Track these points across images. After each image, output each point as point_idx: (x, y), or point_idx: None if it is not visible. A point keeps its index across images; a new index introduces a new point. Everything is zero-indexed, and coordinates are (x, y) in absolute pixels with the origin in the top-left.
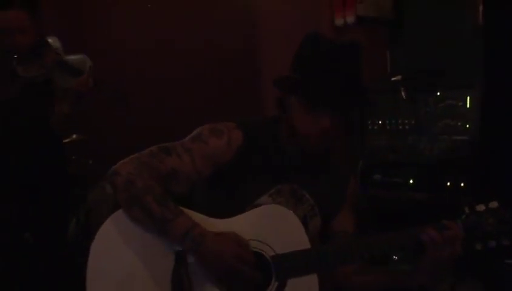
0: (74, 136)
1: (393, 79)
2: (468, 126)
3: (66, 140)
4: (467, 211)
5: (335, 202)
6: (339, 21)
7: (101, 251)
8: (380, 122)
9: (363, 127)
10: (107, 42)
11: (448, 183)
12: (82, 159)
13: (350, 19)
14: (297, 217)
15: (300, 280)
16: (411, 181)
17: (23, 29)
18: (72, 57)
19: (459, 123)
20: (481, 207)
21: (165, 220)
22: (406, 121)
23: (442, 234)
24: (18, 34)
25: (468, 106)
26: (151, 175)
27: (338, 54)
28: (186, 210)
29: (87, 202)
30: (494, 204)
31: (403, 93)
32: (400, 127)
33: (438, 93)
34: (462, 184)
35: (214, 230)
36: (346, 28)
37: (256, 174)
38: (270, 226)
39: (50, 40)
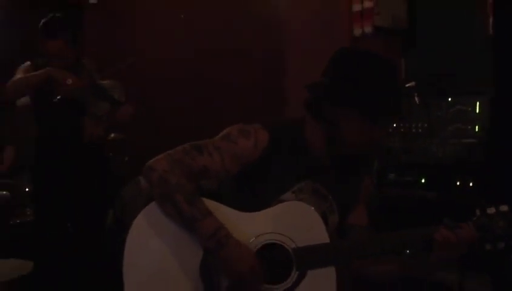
0: (112, 135)
1: (407, 85)
2: (476, 130)
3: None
4: (478, 214)
5: (351, 200)
6: (357, 31)
7: (135, 242)
8: (395, 125)
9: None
10: (146, 50)
11: (457, 183)
12: (119, 156)
13: (367, 29)
14: (318, 214)
15: (319, 271)
16: (423, 180)
17: (63, 56)
18: (104, 82)
19: (469, 127)
20: (492, 210)
21: (193, 219)
22: (419, 125)
23: (456, 234)
24: (57, 60)
25: (477, 111)
26: (184, 172)
27: (392, 72)
28: (214, 204)
29: (122, 196)
30: (504, 208)
31: (416, 99)
32: (414, 130)
33: (449, 99)
34: (470, 184)
35: (239, 223)
36: (364, 38)
37: (280, 173)
38: (292, 221)
39: (84, 61)
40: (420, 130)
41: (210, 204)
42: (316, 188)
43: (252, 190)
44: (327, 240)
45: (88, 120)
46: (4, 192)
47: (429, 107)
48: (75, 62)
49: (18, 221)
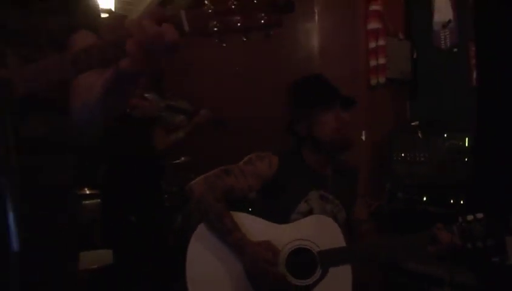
0: (182, 158)
1: (412, 123)
2: (466, 159)
3: (176, 161)
4: (460, 220)
5: (350, 198)
6: (373, 81)
7: (195, 248)
8: (403, 155)
9: None
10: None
11: (451, 201)
12: (186, 175)
13: (381, 80)
14: (335, 223)
15: (338, 269)
16: (425, 198)
17: (133, 85)
18: (175, 102)
19: (460, 157)
20: (470, 217)
21: (223, 233)
22: (422, 155)
23: (455, 236)
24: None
25: (466, 145)
26: (215, 192)
27: (317, 77)
28: (253, 218)
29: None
30: (480, 215)
31: (419, 134)
32: (417, 159)
33: (445, 135)
34: (462, 202)
35: (273, 232)
36: (378, 87)
37: (291, 187)
38: (316, 230)
39: (146, 95)
40: (422, 159)
41: (248, 218)
42: (322, 194)
43: (274, 201)
44: (343, 243)
45: (158, 131)
46: (99, 200)
47: (429, 141)
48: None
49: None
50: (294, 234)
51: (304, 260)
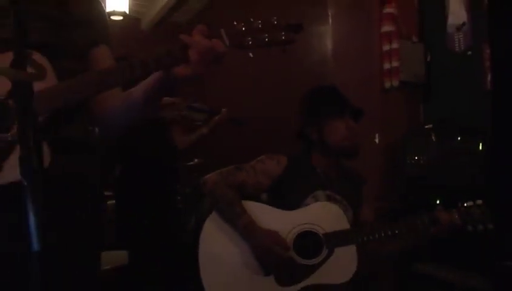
0: (195, 160)
1: (426, 127)
2: (480, 163)
3: (190, 163)
4: (459, 205)
5: (356, 198)
6: (387, 84)
7: (208, 237)
8: (416, 158)
9: None
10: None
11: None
12: (200, 176)
13: (395, 83)
14: (340, 209)
15: (343, 248)
16: (438, 201)
17: (170, 90)
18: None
19: (474, 160)
20: (470, 203)
21: (233, 218)
22: (435, 158)
23: (453, 217)
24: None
25: (480, 148)
26: (227, 185)
27: (328, 88)
28: (262, 205)
29: (202, 205)
30: (479, 201)
31: (433, 137)
32: (431, 162)
33: (459, 138)
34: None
35: (281, 217)
36: (392, 90)
37: (299, 185)
38: (321, 215)
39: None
40: (435, 162)
41: (258, 206)
42: (328, 194)
43: (283, 197)
44: (348, 226)
45: (178, 131)
46: (113, 201)
47: (443, 144)
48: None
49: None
50: (301, 219)
51: (311, 242)
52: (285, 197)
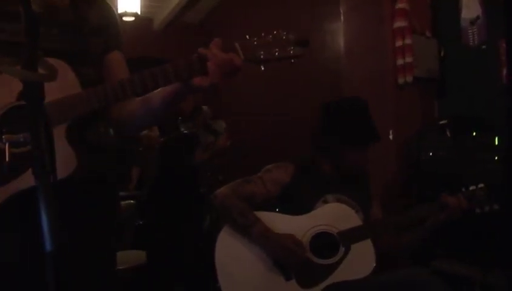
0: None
1: (441, 122)
2: (496, 158)
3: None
4: (463, 190)
5: (366, 198)
6: (401, 80)
7: (224, 246)
8: (431, 154)
9: None
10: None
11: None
12: (214, 175)
13: (409, 79)
14: (348, 207)
15: (359, 244)
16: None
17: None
18: (215, 121)
19: (489, 156)
20: (473, 187)
21: (246, 226)
22: (451, 154)
23: (461, 201)
24: (182, 102)
25: (496, 143)
26: (237, 197)
27: (357, 113)
28: (272, 214)
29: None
30: (481, 185)
31: (448, 133)
32: (446, 158)
33: (474, 133)
34: None
35: (292, 222)
36: (406, 85)
37: (308, 190)
38: (332, 215)
39: (204, 107)
40: (451, 158)
41: (269, 215)
42: (338, 197)
43: (292, 203)
44: (360, 223)
45: (199, 150)
46: (131, 201)
47: (458, 140)
48: (194, 107)
49: (141, 222)
50: (313, 221)
51: (326, 242)
52: (295, 203)
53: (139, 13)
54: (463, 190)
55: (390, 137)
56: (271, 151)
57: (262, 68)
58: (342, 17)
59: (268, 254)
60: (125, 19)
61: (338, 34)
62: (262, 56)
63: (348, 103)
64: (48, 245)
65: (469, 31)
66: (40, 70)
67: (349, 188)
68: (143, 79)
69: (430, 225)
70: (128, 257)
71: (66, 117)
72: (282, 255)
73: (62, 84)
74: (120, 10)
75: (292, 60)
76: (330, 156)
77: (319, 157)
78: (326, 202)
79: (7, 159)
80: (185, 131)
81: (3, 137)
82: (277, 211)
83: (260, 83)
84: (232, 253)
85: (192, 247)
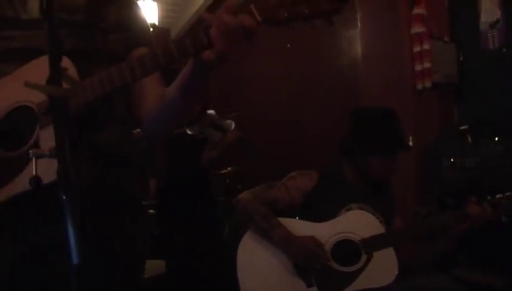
0: (229, 168)
1: (461, 128)
2: None
3: (223, 171)
4: (489, 198)
5: (390, 208)
6: (419, 86)
7: (245, 253)
8: (452, 160)
9: None
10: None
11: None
12: (233, 184)
13: (427, 84)
14: (371, 214)
15: (382, 252)
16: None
17: (205, 82)
18: (223, 121)
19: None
20: (499, 195)
21: (268, 229)
22: (472, 159)
23: (483, 210)
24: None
25: None
26: (260, 202)
27: (384, 122)
28: (294, 220)
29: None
30: (508, 193)
31: (469, 138)
32: (467, 165)
33: (496, 138)
34: None
35: (315, 229)
36: (424, 91)
37: (331, 198)
38: (354, 222)
39: (209, 111)
40: (472, 164)
41: (291, 221)
42: (362, 207)
43: (316, 211)
44: (382, 231)
45: (206, 149)
46: (151, 210)
47: (479, 145)
48: (199, 111)
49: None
50: (335, 229)
51: (348, 250)
52: (317, 211)
53: (157, 23)
54: (489, 198)
55: (410, 143)
56: (287, 158)
57: (288, 46)
58: (359, 24)
59: (290, 257)
60: None
61: (355, 40)
62: (286, 15)
63: (378, 111)
64: (74, 258)
65: (489, 34)
66: (65, 85)
67: (373, 200)
68: (144, 60)
69: (454, 234)
70: (148, 267)
71: (80, 103)
72: (304, 258)
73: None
74: None
75: (330, 21)
76: (357, 164)
77: (345, 166)
78: (348, 210)
79: (34, 173)
80: (191, 133)
81: (30, 151)
82: (297, 219)
83: (275, 91)
84: (253, 258)
85: (211, 255)
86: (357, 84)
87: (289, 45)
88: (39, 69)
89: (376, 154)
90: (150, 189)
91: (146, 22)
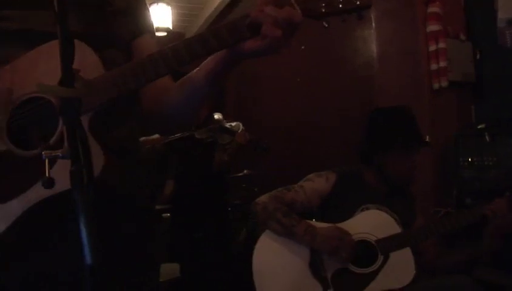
0: (245, 171)
1: (479, 127)
2: None
3: (239, 174)
4: (507, 194)
5: (408, 216)
6: (435, 85)
7: (261, 255)
8: (470, 159)
9: None
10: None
11: None
12: (250, 187)
13: (443, 83)
14: (388, 215)
15: (399, 252)
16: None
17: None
18: (231, 124)
19: None
20: None
21: (291, 225)
22: (489, 158)
23: (499, 206)
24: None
25: None
26: (278, 202)
27: (401, 119)
28: (310, 221)
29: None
30: None
31: (486, 137)
32: (485, 163)
33: None
34: None
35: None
36: (440, 90)
37: (349, 199)
38: (370, 222)
39: (215, 115)
40: (490, 163)
41: (309, 222)
42: (380, 208)
43: (332, 212)
44: (399, 231)
45: (217, 153)
46: (168, 214)
47: (497, 144)
48: (206, 115)
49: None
50: (351, 229)
51: (365, 251)
52: (334, 211)
53: (171, 28)
54: (507, 193)
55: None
56: (303, 160)
57: (326, 26)
58: (374, 24)
59: (316, 249)
60: (157, 34)
61: (371, 40)
62: (323, 10)
63: (394, 110)
64: (88, 259)
65: (507, 32)
66: (77, 86)
67: (392, 203)
68: (176, 50)
69: (481, 248)
70: (162, 271)
71: (92, 105)
72: (332, 246)
73: (83, 68)
74: None
75: (360, 14)
76: (377, 167)
77: (364, 167)
78: (365, 210)
79: (47, 174)
80: (199, 137)
81: (43, 153)
82: (314, 220)
83: (290, 93)
84: (270, 260)
85: (226, 259)
86: (372, 84)
87: (303, 47)
88: (49, 56)
89: (396, 151)
90: (165, 193)
91: (147, 8)
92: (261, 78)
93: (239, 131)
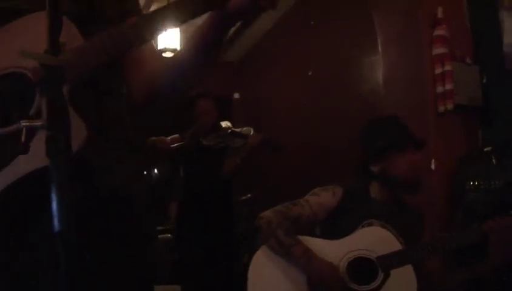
0: (249, 195)
1: (485, 149)
2: None
3: (243, 198)
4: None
5: (415, 233)
6: (441, 108)
7: (259, 263)
8: (476, 183)
9: None
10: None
11: None
12: (252, 211)
13: (449, 106)
14: (389, 232)
15: (400, 270)
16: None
17: (209, 112)
18: (241, 129)
19: None
20: None
21: (289, 246)
22: (497, 182)
23: (499, 223)
24: (206, 115)
25: None
26: (283, 218)
27: (389, 119)
28: (312, 238)
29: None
30: None
31: (493, 160)
32: (492, 187)
33: None
34: None
35: (331, 247)
36: (446, 113)
37: (354, 213)
38: (370, 239)
39: (222, 123)
40: (497, 186)
41: (306, 238)
42: (383, 224)
43: (336, 226)
44: (399, 247)
45: (228, 158)
46: (168, 235)
47: (504, 167)
48: (213, 123)
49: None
50: (351, 245)
51: (365, 268)
52: (338, 226)
53: (178, 48)
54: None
55: (432, 167)
56: (309, 186)
57: (310, 74)
58: (380, 49)
59: (307, 274)
60: (165, 55)
61: (377, 65)
62: None
63: (382, 117)
64: (56, 226)
65: None
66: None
67: (397, 219)
68: (160, 12)
69: (490, 263)
70: None
71: (74, 74)
72: (320, 282)
73: (67, 44)
74: (160, 46)
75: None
76: (378, 174)
77: (368, 181)
78: (368, 226)
79: (23, 140)
80: (207, 143)
81: (21, 122)
82: (316, 235)
83: (297, 118)
84: (265, 275)
85: (228, 280)
86: (378, 110)
87: (310, 73)
88: (24, 31)
89: (392, 154)
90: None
91: None
92: (267, 102)
93: (251, 134)
